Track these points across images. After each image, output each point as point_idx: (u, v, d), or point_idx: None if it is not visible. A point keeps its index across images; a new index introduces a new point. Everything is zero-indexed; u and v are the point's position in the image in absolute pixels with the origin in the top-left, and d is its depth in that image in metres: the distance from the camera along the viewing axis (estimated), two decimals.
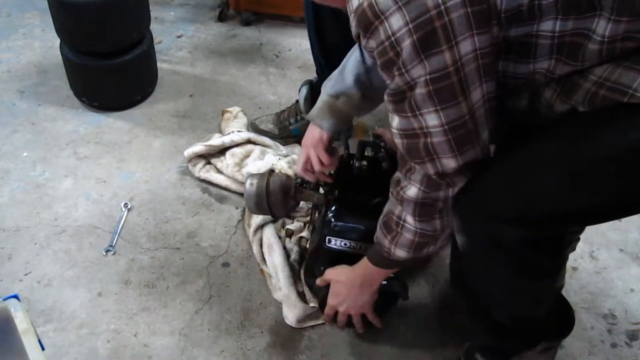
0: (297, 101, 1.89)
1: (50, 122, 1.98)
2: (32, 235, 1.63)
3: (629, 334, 1.49)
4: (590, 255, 1.65)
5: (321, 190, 1.47)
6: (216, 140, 1.80)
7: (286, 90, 2.14)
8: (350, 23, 0.91)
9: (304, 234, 1.60)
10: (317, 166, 1.36)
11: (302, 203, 1.51)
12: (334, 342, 1.43)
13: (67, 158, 1.86)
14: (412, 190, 1.03)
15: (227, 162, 1.78)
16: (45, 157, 1.86)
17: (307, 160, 1.37)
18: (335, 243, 1.34)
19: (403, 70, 0.87)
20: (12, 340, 0.92)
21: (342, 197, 1.36)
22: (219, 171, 1.79)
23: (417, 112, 0.91)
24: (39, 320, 1.43)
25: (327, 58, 1.76)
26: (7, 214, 1.68)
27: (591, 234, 1.68)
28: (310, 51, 1.81)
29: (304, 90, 1.87)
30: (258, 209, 1.43)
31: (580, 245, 1.59)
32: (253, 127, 1.91)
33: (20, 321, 0.95)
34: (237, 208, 1.72)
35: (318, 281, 1.36)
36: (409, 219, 1.07)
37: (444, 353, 1.42)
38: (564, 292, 1.43)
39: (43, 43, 2.31)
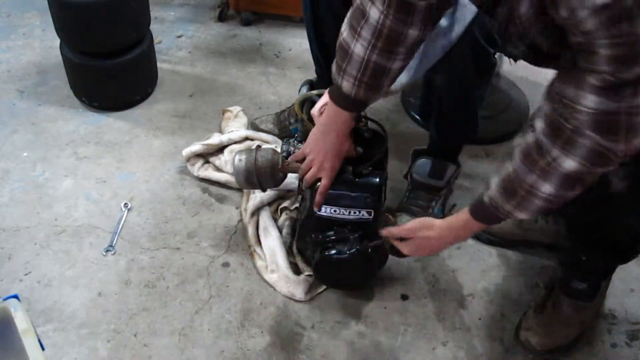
0: None
1: (50, 122, 1.98)
2: (32, 235, 1.63)
3: (629, 334, 1.49)
4: None
5: None
6: (214, 139, 1.81)
7: (286, 90, 2.14)
8: None
9: (295, 206, 1.65)
10: None
11: (289, 175, 1.54)
12: (334, 342, 1.43)
13: (67, 158, 1.86)
14: (570, 164, 0.93)
15: (225, 158, 1.78)
16: (45, 157, 1.86)
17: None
18: (325, 210, 1.38)
19: None
20: (12, 340, 0.92)
21: None
22: (218, 169, 1.79)
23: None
24: (39, 320, 1.43)
25: (326, 56, 1.76)
26: (7, 214, 1.68)
27: None
28: (310, 51, 1.81)
29: (304, 90, 1.87)
30: (248, 183, 1.47)
31: None
32: (253, 127, 1.92)
33: (20, 321, 0.94)
34: (237, 208, 1.73)
35: (395, 230, 1.28)
36: (548, 189, 0.98)
37: (444, 353, 1.43)
38: None
39: (43, 43, 2.31)
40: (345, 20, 1.20)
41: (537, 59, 1.09)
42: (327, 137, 1.31)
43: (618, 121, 0.87)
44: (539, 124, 0.96)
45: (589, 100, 0.87)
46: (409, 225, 1.25)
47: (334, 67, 1.25)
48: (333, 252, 1.39)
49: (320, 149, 1.32)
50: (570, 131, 0.91)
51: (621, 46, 0.80)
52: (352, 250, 1.37)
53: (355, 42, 1.17)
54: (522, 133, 1.01)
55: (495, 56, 1.54)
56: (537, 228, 1.60)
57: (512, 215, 1.07)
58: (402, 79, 1.35)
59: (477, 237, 1.64)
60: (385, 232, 1.30)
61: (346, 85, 1.23)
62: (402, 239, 1.27)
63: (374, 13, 1.13)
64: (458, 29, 1.39)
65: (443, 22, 1.34)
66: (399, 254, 1.31)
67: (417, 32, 1.15)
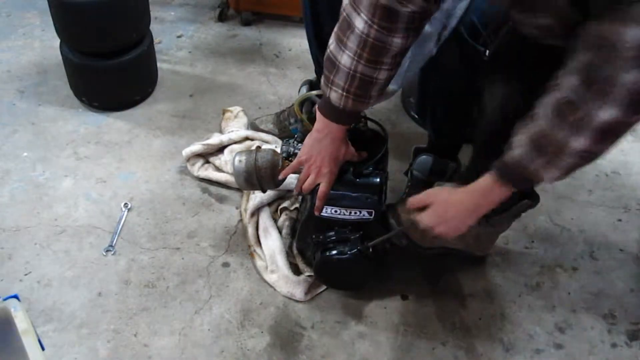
0: None
1: (50, 122, 1.98)
2: (32, 235, 1.63)
3: (629, 334, 1.49)
4: (590, 255, 1.65)
5: None
6: (214, 139, 1.81)
7: (286, 90, 2.14)
8: None
9: (295, 206, 1.65)
10: None
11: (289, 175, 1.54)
12: (334, 342, 1.43)
13: (67, 158, 1.86)
14: (605, 114, 0.89)
15: (225, 158, 1.79)
16: (45, 157, 1.86)
17: None
18: (326, 211, 1.38)
19: None
20: (12, 340, 0.92)
21: None
22: (218, 169, 1.80)
23: None
24: (39, 320, 1.43)
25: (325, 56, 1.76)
26: (7, 214, 1.68)
27: (591, 234, 1.69)
28: (310, 51, 1.81)
29: (304, 90, 1.87)
30: (248, 184, 1.48)
31: (580, 245, 1.60)
32: (253, 127, 1.92)
33: (20, 321, 0.95)
34: (237, 208, 1.73)
35: (411, 202, 1.23)
36: (581, 145, 0.94)
37: (444, 353, 1.43)
38: (563, 291, 1.45)
39: (43, 43, 2.31)
40: (333, 33, 1.21)
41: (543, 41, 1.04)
42: (322, 143, 1.31)
43: None
44: (568, 80, 0.92)
45: (634, 35, 0.81)
46: (426, 191, 1.21)
47: (322, 79, 1.26)
48: (334, 252, 1.39)
49: (316, 155, 1.32)
50: (604, 80, 0.87)
51: None
52: (353, 251, 1.37)
53: (342, 53, 1.18)
54: (545, 94, 0.97)
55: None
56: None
57: (538, 175, 1.02)
58: (391, 85, 1.36)
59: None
60: (408, 203, 1.25)
61: (334, 96, 1.23)
62: (421, 210, 1.21)
63: (359, 23, 1.14)
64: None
65: (427, 28, 1.35)
66: (402, 236, 1.32)
67: (400, 41, 1.16)
